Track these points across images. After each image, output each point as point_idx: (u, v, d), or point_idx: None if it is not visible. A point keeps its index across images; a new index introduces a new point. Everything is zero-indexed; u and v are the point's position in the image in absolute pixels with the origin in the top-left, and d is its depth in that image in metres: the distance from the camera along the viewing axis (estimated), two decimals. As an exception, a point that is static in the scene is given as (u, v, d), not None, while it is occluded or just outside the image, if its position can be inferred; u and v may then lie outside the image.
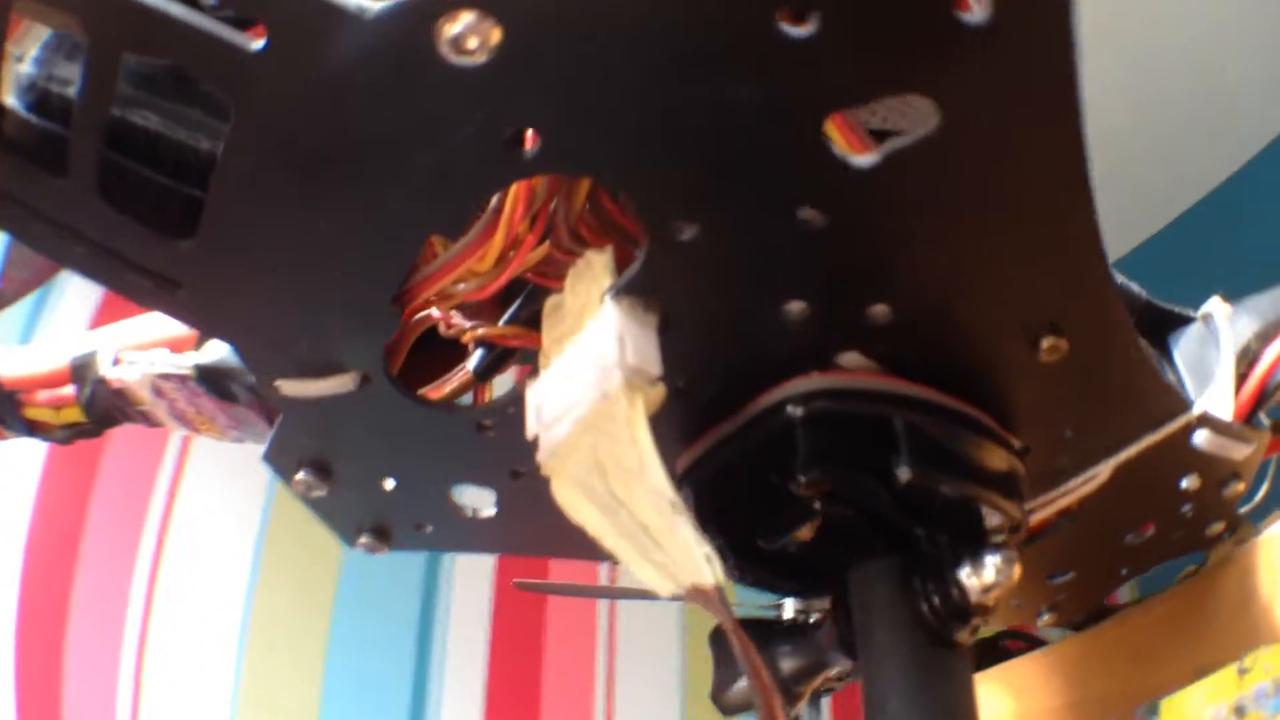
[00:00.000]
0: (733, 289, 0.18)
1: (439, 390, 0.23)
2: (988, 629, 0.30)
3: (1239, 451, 0.28)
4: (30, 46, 0.18)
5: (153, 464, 0.86)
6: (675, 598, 0.18)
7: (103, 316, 0.82)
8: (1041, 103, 0.16)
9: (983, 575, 0.21)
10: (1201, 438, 0.27)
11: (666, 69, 0.15)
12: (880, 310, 0.19)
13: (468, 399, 0.25)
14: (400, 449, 0.24)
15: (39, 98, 0.19)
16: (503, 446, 0.23)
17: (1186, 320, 0.28)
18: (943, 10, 0.14)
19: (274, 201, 0.17)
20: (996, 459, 0.22)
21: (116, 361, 0.30)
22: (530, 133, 0.16)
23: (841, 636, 0.22)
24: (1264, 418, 0.29)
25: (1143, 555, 0.34)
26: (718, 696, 0.26)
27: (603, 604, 1.03)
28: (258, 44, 0.15)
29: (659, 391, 0.17)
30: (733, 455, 0.21)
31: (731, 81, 0.15)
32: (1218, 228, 1.15)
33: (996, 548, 0.21)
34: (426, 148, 0.16)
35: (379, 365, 0.21)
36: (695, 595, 0.18)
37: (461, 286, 0.19)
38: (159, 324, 0.31)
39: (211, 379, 0.28)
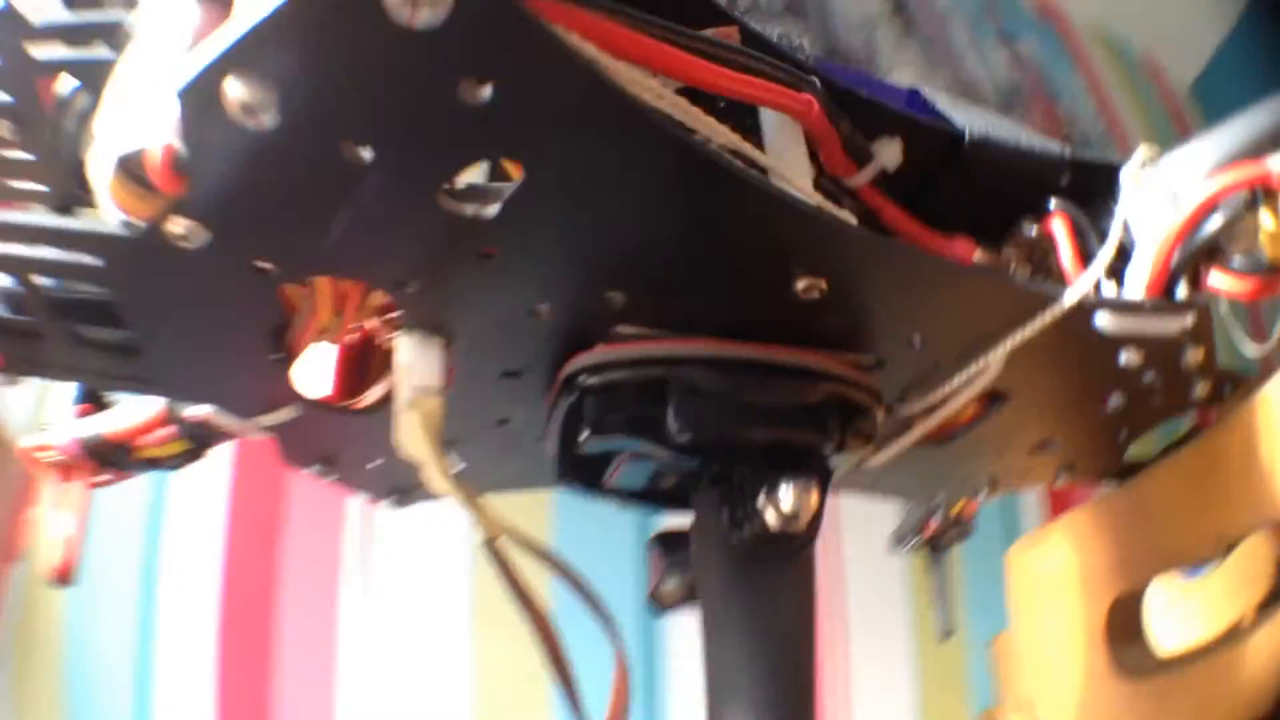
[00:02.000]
0: (481, 309, 0.24)
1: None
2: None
3: (1163, 327, 0.28)
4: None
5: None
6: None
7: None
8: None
9: (780, 504, 0.25)
10: (1104, 320, 0.28)
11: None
12: (615, 296, 0.24)
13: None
14: (366, 441, 0.32)
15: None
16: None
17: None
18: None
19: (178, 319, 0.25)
20: (791, 394, 0.25)
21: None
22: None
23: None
24: (1185, 290, 0.28)
25: (1132, 419, 0.35)
26: (654, 595, 0.32)
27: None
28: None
29: (435, 402, 0.24)
30: (557, 417, 0.27)
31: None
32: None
33: (791, 478, 0.25)
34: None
35: (300, 399, 0.29)
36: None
37: (326, 335, 0.27)
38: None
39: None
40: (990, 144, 0.32)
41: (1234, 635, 0.38)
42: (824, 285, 0.24)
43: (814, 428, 0.26)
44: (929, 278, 0.25)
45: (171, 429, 0.38)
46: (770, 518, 0.25)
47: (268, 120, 0.17)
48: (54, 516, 0.34)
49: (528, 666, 0.27)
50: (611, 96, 0.18)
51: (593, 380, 0.26)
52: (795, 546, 0.26)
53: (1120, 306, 0.28)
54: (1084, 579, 0.43)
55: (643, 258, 0.23)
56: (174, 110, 0.17)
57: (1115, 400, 0.32)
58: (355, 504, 1.07)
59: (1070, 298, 0.27)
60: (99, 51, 0.24)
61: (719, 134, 0.23)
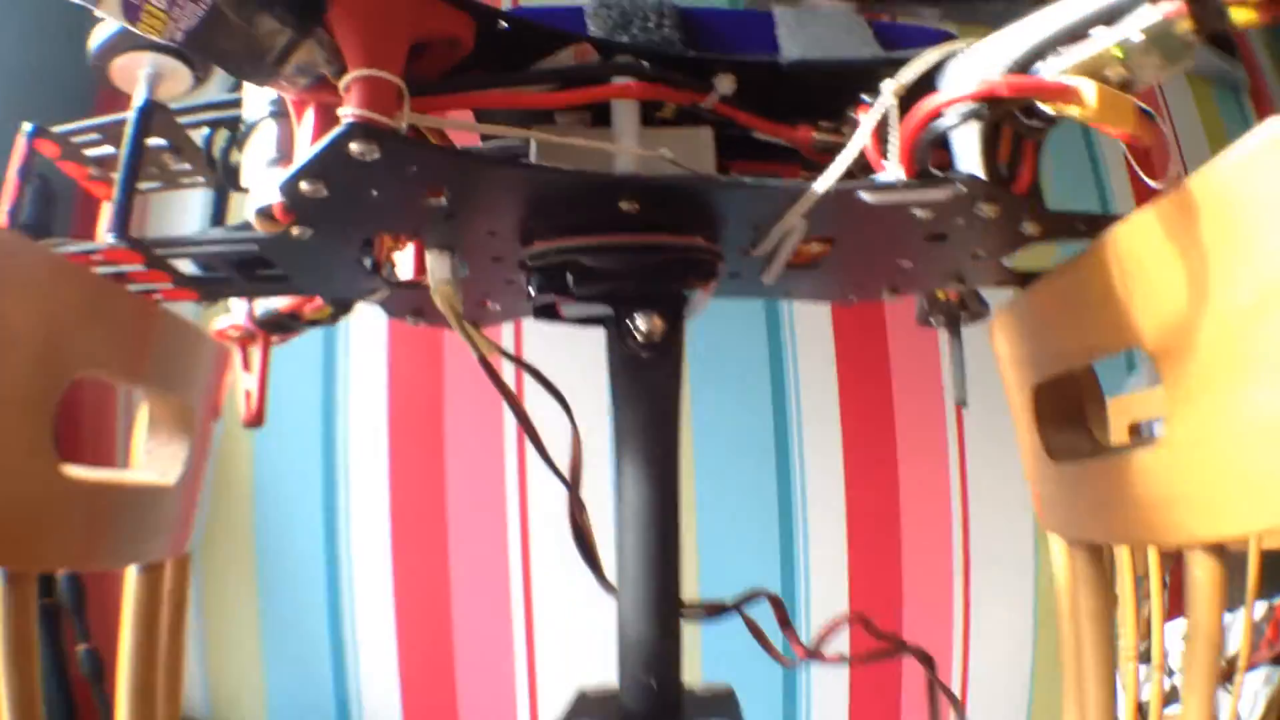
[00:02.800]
0: (461, 236, 0.45)
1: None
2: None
3: (927, 197, 0.41)
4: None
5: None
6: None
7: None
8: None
9: (638, 327, 0.44)
10: (869, 197, 0.42)
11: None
12: (531, 221, 0.44)
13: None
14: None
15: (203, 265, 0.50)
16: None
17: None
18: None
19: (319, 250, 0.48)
20: (640, 262, 0.44)
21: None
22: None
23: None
24: (980, 165, 0.42)
25: (982, 247, 0.48)
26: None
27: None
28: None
29: (449, 287, 0.45)
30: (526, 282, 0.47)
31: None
32: None
33: (642, 311, 0.44)
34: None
35: (387, 285, 0.51)
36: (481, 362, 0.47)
37: (393, 249, 0.48)
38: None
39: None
40: (807, 64, 0.47)
41: (1144, 444, 0.38)
42: (637, 204, 0.42)
43: (657, 279, 0.45)
44: (708, 189, 0.43)
45: (319, 301, 0.61)
46: (636, 335, 0.45)
47: (324, 192, 0.37)
48: (243, 376, 0.59)
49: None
50: (456, 157, 0.38)
51: (534, 262, 0.46)
52: (658, 353, 0.45)
53: (874, 188, 0.42)
54: (1013, 367, 0.53)
55: (539, 207, 0.42)
56: (280, 189, 0.38)
57: (951, 237, 0.46)
58: (508, 331, 1.35)
59: (819, 188, 0.43)
60: (219, 114, 0.46)
61: (549, 136, 0.41)
